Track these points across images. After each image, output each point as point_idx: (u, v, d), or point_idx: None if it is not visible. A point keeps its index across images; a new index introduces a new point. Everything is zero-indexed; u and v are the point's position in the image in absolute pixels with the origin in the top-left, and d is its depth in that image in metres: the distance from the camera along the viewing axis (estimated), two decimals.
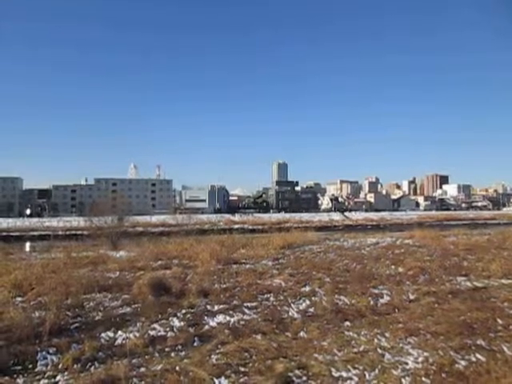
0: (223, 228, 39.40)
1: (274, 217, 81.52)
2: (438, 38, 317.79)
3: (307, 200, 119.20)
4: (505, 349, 4.71)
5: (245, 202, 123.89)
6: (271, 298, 7.37)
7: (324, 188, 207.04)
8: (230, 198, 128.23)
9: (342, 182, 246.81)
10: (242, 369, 4.28)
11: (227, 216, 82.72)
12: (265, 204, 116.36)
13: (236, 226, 51.76)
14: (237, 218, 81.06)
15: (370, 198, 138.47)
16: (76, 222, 52.64)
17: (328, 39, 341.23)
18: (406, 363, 4.40)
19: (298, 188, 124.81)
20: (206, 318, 6.12)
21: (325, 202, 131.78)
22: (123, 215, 24.31)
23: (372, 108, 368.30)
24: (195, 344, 5.02)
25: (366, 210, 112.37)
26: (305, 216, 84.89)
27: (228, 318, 6.13)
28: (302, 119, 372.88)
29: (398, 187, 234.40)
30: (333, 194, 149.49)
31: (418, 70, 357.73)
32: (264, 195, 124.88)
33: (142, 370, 4.28)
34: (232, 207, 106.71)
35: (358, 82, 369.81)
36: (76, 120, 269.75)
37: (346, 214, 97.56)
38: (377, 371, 4.21)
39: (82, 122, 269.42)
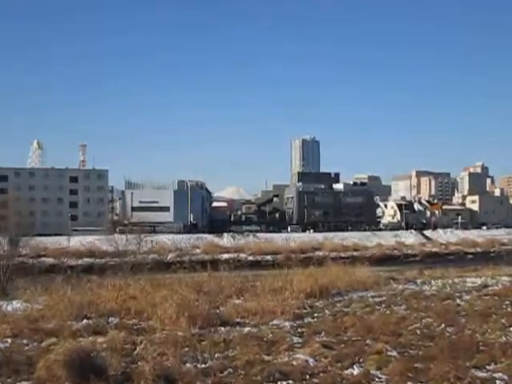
0: (201, 260, 39.39)
1: (294, 238, 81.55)
2: None
3: (356, 207, 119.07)
4: None
5: (241, 212, 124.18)
6: None
7: (387, 186, 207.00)
8: (215, 203, 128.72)
9: (419, 174, 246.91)
10: None
11: (209, 237, 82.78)
12: (277, 215, 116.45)
13: (225, 256, 51.98)
14: (226, 240, 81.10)
15: (472, 202, 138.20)
16: None
17: None
18: None
19: (338, 186, 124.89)
20: None
21: (388, 210, 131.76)
22: (18, 235, 24.43)
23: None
24: None
25: (465, 226, 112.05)
26: (351, 237, 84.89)
27: None
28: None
29: None
30: (403, 197, 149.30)
31: None
32: (276, 199, 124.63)
33: None
34: (217, 221, 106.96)
35: None
36: None
37: (428, 232, 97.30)
38: None
39: None
